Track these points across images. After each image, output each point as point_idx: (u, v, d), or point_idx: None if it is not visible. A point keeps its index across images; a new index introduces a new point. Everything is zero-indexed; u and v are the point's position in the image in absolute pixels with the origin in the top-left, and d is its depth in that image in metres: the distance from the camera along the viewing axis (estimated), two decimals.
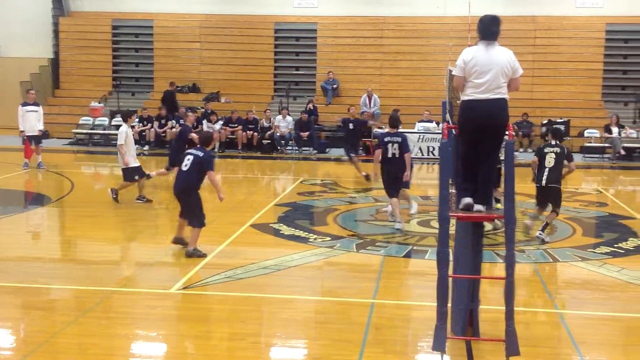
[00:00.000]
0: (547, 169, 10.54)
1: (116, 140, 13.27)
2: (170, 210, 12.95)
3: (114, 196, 12.88)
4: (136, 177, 12.98)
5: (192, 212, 9.49)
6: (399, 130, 11.60)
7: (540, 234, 10.52)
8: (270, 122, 22.85)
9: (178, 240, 9.69)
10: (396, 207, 11.31)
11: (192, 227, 9.44)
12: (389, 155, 11.25)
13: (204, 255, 9.31)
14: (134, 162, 13.00)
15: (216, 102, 25.26)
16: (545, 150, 10.70)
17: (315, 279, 8.85)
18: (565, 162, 10.68)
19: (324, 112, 24.62)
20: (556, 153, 10.60)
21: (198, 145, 9.77)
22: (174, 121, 23.03)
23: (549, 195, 10.67)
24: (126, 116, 13.27)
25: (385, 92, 25.07)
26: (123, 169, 12.98)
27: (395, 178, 11.31)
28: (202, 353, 6.33)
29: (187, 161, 9.44)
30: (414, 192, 14.14)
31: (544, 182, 10.56)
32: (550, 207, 10.75)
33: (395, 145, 11.23)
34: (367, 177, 15.34)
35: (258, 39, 26.70)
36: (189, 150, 9.77)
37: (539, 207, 11.03)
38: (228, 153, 22.35)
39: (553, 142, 10.83)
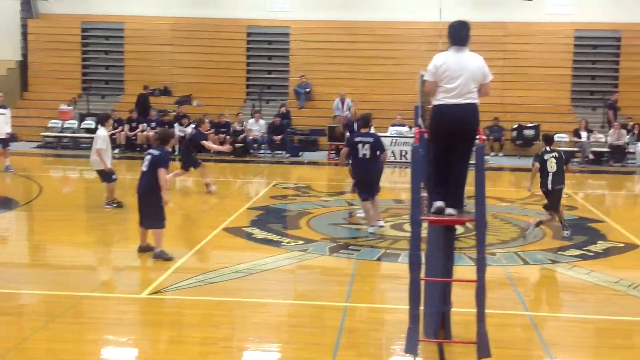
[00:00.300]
0: (550, 174, 10.88)
1: (88, 143, 13.14)
2: None
3: (115, 205, 12.67)
4: (114, 177, 12.77)
5: (151, 213, 9.35)
6: (371, 130, 11.38)
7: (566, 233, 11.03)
8: (242, 126, 22.80)
9: (144, 249, 9.56)
10: (368, 210, 11.18)
11: (153, 230, 9.35)
12: (360, 155, 11.01)
13: (171, 258, 9.23)
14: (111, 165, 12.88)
15: (188, 105, 25.10)
16: (545, 157, 11.00)
17: (288, 283, 8.83)
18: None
19: (297, 116, 24.62)
20: (556, 157, 11.00)
21: (157, 145, 9.68)
22: (145, 124, 22.89)
23: (555, 197, 11.02)
24: (103, 120, 13.11)
25: (357, 96, 25.05)
26: (100, 171, 12.79)
27: (368, 180, 11.17)
28: (173, 358, 6.27)
29: (146, 161, 9.41)
30: (386, 196, 14.20)
31: (549, 186, 10.89)
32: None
33: (367, 146, 10.96)
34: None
35: (230, 42, 26.61)
36: (148, 150, 9.70)
37: (551, 211, 11.21)
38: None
39: (548, 148, 11.15)
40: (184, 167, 15.24)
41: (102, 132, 12.80)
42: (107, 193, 12.83)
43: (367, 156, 10.96)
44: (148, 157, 9.41)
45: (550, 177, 10.88)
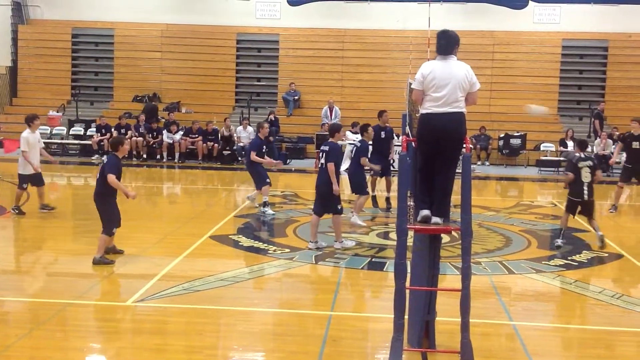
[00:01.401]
0: (585, 184, 10.81)
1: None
2: (127, 222, 12.81)
3: (49, 209, 12.70)
4: (25, 186, 12.75)
5: (101, 218, 9.57)
6: (334, 140, 10.57)
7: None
8: (230, 131, 22.77)
9: (111, 250, 9.77)
10: (312, 227, 10.61)
11: (102, 232, 9.51)
12: (320, 165, 10.57)
13: (111, 263, 9.40)
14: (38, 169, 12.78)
15: (177, 112, 25.10)
16: (580, 165, 10.88)
17: (273, 291, 8.83)
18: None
19: (286, 124, 24.67)
20: (589, 167, 10.89)
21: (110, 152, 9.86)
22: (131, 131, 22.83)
23: (589, 208, 11.01)
24: (29, 121, 12.80)
25: (346, 104, 25.25)
26: (27, 175, 12.69)
27: (319, 192, 10.56)
28: None
29: (101, 167, 9.66)
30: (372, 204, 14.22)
31: (585, 196, 10.85)
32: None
33: (323, 155, 10.48)
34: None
35: (220, 50, 26.66)
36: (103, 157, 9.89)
37: (568, 217, 11.22)
38: (188, 164, 22.22)
39: (583, 155, 11.04)
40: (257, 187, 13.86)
41: (25, 134, 12.63)
42: (39, 197, 12.82)
43: (324, 166, 10.40)
44: (101, 163, 9.70)
45: (585, 188, 10.79)
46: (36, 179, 12.76)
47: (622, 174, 15.22)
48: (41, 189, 12.79)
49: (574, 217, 11.40)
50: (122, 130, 22.86)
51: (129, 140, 21.03)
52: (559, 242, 11.11)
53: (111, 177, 9.34)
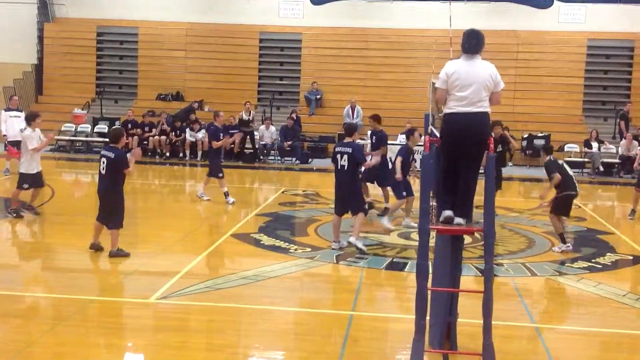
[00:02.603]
0: (573, 177, 11.05)
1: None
2: (150, 219, 12.92)
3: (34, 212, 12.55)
4: (25, 186, 12.45)
5: (110, 213, 9.65)
6: (352, 139, 10.49)
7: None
8: (250, 115, 22.76)
9: (95, 246, 9.82)
10: (334, 227, 10.57)
11: (110, 229, 9.64)
12: (338, 167, 10.36)
13: (127, 255, 9.59)
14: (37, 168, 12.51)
15: (200, 110, 25.23)
16: (560, 162, 11.21)
17: (294, 290, 8.85)
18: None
19: (307, 123, 24.68)
20: (566, 162, 11.48)
21: (111, 145, 9.79)
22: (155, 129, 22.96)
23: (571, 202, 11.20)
24: (30, 119, 12.49)
25: (368, 104, 25.16)
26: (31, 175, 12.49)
27: (340, 194, 10.45)
28: None
29: (103, 164, 9.59)
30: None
31: (577, 189, 11.08)
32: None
33: (345, 157, 10.26)
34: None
35: (243, 49, 26.74)
36: (102, 152, 9.83)
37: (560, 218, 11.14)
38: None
39: (552, 157, 11.20)
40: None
41: (27, 132, 12.33)
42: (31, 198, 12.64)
43: (346, 168, 10.25)
44: (104, 159, 9.58)
45: (574, 181, 11.00)
46: (37, 180, 12.49)
47: (638, 178, 14.48)
48: (37, 190, 12.54)
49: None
50: (146, 128, 23.05)
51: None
52: (563, 247, 10.84)
53: (129, 171, 9.59)
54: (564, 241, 10.87)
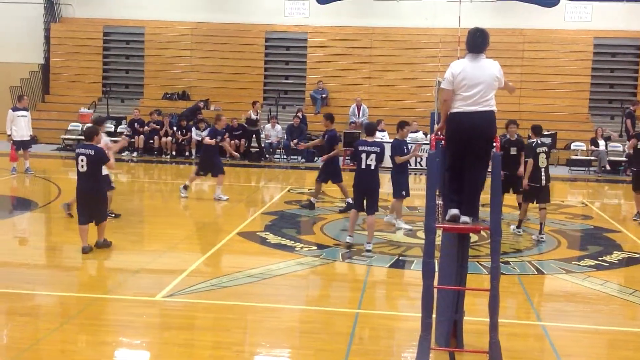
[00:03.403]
0: (542, 169, 11.31)
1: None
2: (156, 218, 12.94)
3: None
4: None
5: (98, 209, 9.88)
6: (377, 139, 10.71)
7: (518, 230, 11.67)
8: (257, 115, 22.79)
9: (87, 249, 9.80)
10: (352, 220, 10.63)
11: (96, 223, 9.92)
12: (363, 166, 10.38)
13: (109, 244, 10.00)
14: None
15: (206, 109, 25.25)
16: (538, 150, 11.37)
17: (300, 288, 8.86)
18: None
19: (313, 122, 24.68)
20: (545, 152, 11.40)
21: (85, 142, 9.94)
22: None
23: (545, 194, 11.51)
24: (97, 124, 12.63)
25: (373, 102, 25.18)
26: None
27: (364, 191, 10.52)
28: None
29: (82, 162, 9.67)
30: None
31: (543, 181, 11.35)
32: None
33: (373, 156, 10.31)
34: None
35: (248, 48, 26.75)
36: (78, 150, 9.88)
37: (527, 206, 11.79)
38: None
39: (539, 141, 11.49)
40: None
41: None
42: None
43: (372, 167, 10.34)
44: (83, 157, 9.64)
45: (542, 173, 11.28)
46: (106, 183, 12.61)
47: (634, 181, 13.53)
48: (110, 192, 12.65)
49: (533, 203, 11.72)
50: (157, 125, 23.05)
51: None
52: (514, 229, 11.70)
53: (111, 164, 10.13)
54: (519, 226, 11.80)
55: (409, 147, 12.48)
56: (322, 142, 14.08)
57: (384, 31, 26.13)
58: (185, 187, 14.60)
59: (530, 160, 11.28)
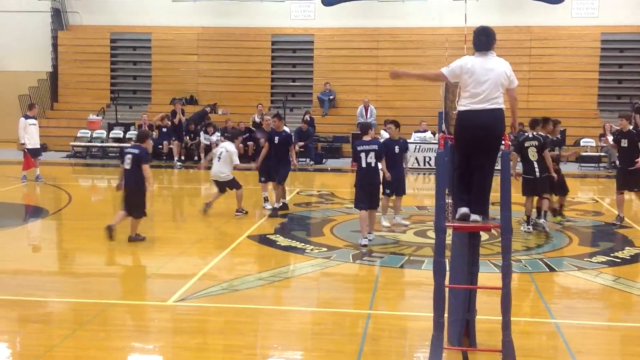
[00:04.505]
0: (534, 162, 11.55)
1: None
2: (166, 222, 12.97)
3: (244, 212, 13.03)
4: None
5: (137, 204, 10.67)
6: (370, 137, 10.80)
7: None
8: (260, 117, 22.78)
9: (111, 228, 10.61)
10: (364, 221, 10.70)
11: (134, 217, 10.71)
12: (364, 165, 10.60)
13: (143, 239, 10.72)
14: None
15: (214, 114, 25.31)
16: (526, 144, 11.63)
17: (311, 290, 8.85)
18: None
19: (321, 123, 24.70)
20: (535, 146, 11.57)
21: (135, 143, 11.10)
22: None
23: (543, 185, 11.74)
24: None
25: (381, 103, 25.16)
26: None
27: (370, 190, 10.70)
28: None
29: (128, 160, 10.63)
30: (409, 203, 14.18)
31: (537, 174, 11.58)
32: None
33: (372, 154, 10.56)
34: None
35: (255, 51, 26.81)
36: (126, 150, 10.94)
37: (530, 200, 11.94)
38: None
39: (531, 135, 11.67)
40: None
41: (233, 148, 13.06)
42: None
43: (372, 165, 10.60)
44: (129, 155, 10.64)
45: (535, 165, 11.50)
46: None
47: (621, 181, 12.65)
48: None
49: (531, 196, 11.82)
50: (164, 130, 23.10)
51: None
52: (527, 227, 11.66)
53: (146, 168, 10.63)
54: (528, 222, 11.77)
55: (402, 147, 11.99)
56: (268, 148, 13.30)
57: (390, 32, 26.13)
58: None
59: (514, 154, 11.62)
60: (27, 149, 17.40)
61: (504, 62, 6.22)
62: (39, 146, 17.68)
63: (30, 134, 17.37)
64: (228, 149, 12.98)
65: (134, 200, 10.64)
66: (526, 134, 11.94)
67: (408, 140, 19.07)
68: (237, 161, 12.96)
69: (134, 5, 27.25)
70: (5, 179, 17.92)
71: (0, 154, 22.66)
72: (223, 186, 13.10)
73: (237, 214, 12.89)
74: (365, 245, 10.55)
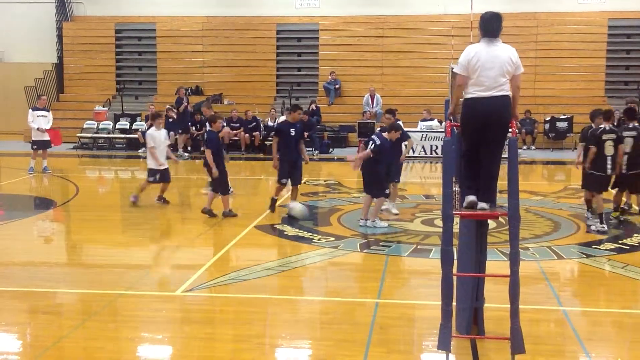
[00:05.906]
0: (609, 157, 10.81)
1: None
2: (173, 213, 12.99)
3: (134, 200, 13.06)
4: (151, 179, 13.11)
5: (219, 182, 11.79)
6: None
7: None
8: (275, 122, 22.81)
9: (206, 210, 11.82)
10: (367, 206, 11.33)
11: (223, 195, 11.87)
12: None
13: (235, 215, 11.85)
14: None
15: (219, 104, 25.29)
16: (604, 137, 10.85)
17: (319, 279, 8.86)
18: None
19: (327, 113, 24.65)
20: (613, 139, 10.85)
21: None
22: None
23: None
24: (152, 119, 13.59)
25: (387, 92, 25.11)
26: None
27: (377, 177, 11.23)
28: (207, 355, 6.35)
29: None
30: (417, 191, 14.16)
31: (609, 170, 10.88)
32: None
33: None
34: None
35: (260, 40, 26.76)
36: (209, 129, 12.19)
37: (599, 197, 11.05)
38: (231, 155, 22.33)
39: (608, 127, 10.98)
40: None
41: (151, 131, 13.29)
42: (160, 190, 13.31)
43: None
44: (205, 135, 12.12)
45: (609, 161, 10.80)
46: (164, 175, 13.05)
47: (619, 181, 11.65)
48: (165, 185, 13.16)
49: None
50: (170, 120, 23.08)
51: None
52: (598, 226, 10.75)
53: (208, 153, 11.68)
54: (601, 221, 10.79)
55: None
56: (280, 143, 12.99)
57: (396, 19, 26.03)
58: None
59: (593, 148, 10.89)
60: (34, 140, 17.45)
61: (510, 48, 6.18)
62: (47, 138, 17.70)
63: (38, 124, 17.40)
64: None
65: (215, 179, 11.75)
66: (602, 126, 10.99)
67: (414, 129, 19.01)
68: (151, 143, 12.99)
69: None
70: (13, 171, 17.98)
71: (7, 146, 22.72)
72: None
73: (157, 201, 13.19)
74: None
